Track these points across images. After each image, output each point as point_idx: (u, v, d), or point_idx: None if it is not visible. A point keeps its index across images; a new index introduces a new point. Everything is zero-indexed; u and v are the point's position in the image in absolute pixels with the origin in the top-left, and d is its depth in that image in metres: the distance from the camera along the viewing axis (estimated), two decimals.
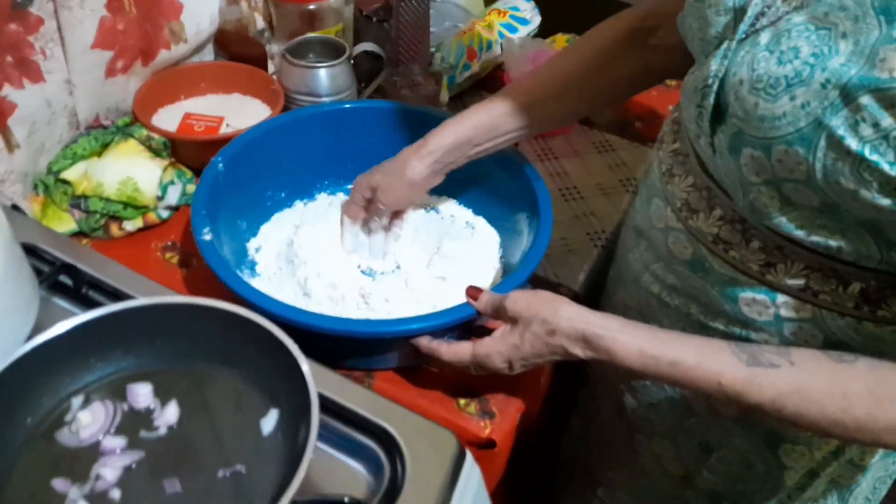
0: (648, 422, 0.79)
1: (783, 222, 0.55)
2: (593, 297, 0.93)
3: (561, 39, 1.25)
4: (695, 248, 0.64)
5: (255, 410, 0.52)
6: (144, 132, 0.92)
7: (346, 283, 0.80)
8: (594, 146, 1.11)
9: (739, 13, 0.54)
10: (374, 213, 0.83)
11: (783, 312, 0.60)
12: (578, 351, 0.61)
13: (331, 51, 1.03)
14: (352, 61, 1.02)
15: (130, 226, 0.89)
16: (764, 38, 0.51)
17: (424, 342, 0.68)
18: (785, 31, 0.50)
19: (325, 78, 1.00)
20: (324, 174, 0.95)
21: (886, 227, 0.50)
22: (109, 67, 0.89)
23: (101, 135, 0.91)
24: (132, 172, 0.88)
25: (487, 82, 1.20)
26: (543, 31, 1.30)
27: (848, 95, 0.46)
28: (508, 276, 0.73)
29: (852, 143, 0.46)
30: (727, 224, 0.61)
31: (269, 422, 0.51)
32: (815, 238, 0.54)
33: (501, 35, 1.23)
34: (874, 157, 0.46)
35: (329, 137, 0.93)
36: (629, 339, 0.59)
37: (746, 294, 0.61)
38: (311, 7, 1.08)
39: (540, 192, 0.81)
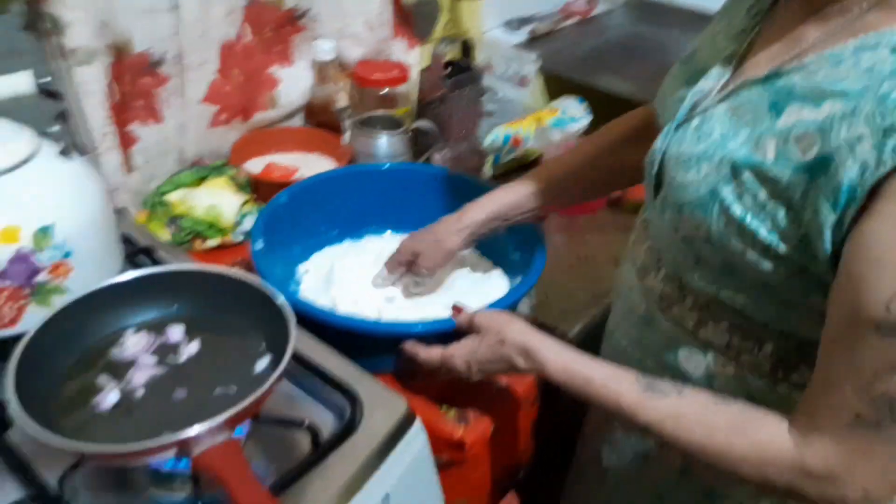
0: (619, 470, 0.86)
1: (695, 279, 0.65)
2: (589, 347, 1.03)
3: None
4: (647, 304, 0.73)
5: (253, 353, 0.68)
6: (234, 171, 1.14)
7: (367, 303, 0.96)
8: (617, 226, 1.23)
9: (685, 104, 0.66)
10: (415, 273, 0.96)
11: (712, 369, 0.67)
12: (521, 361, 0.72)
13: (393, 125, 1.24)
14: (409, 134, 1.23)
15: (211, 243, 1.10)
16: (695, 122, 0.63)
17: (408, 345, 0.82)
18: (709, 117, 0.61)
19: (385, 145, 1.20)
20: (371, 220, 1.12)
21: (778, 289, 0.58)
22: (214, 119, 1.14)
23: (200, 170, 1.14)
24: (219, 201, 1.10)
25: (531, 167, 1.37)
26: (591, 130, 1.47)
27: (735, 171, 0.56)
28: (490, 304, 0.87)
29: (737, 210, 0.56)
30: (669, 283, 0.69)
31: (262, 363, 0.67)
32: (725, 294, 0.63)
33: (551, 129, 1.40)
34: (753, 224, 0.56)
35: (379, 190, 1.11)
36: (557, 357, 0.69)
37: (684, 350, 0.69)
38: (385, 91, 1.31)
39: (538, 250, 0.94)
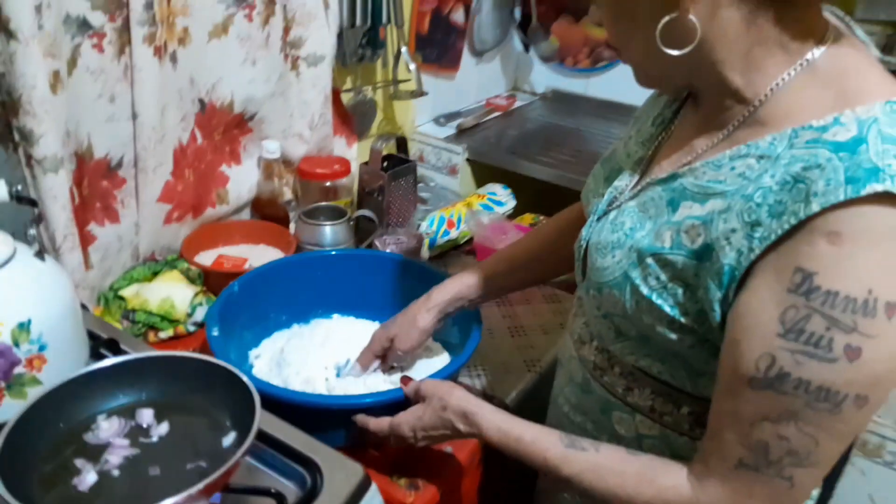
0: None
1: (618, 349, 0.73)
2: (525, 411, 1.12)
3: (528, 217, 1.55)
4: (583, 373, 0.81)
5: (220, 431, 0.74)
6: (186, 265, 1.21)
7: (317, 379, 1.03)
8: (544, 297, 1.35)
9: (604, 199, 0.76)
10: (391, 358, 1.02)
11: (641, 430, 0.75)
12: (461, 425, 0.79)
13: (337, 215, 1.34)
14: (351, 223, 1.33)
15: (164, 334, 1.15)
16: (611, 215, 0.73)
17: (360, 417, 0.89)
18: (622, 211, 0.71)
19: (329, 233, 1.29)
20: (318, 304, 1.20)
21: (686, 357, 0.66)
22: (168, 216, 1.21)
23: (153, 265, 1.21)
24: (171, 293, 1.16)
25: (464, 247, 1.49)
26: (516, 212, 1.60)
27: (640, 257, 0.66)
28: (433, 374, 0.95)
29: (644, 290, 0.65)
30: (599, 354, 0.77)
31: (228, 439, 0.73)
32: (644, 363, 0.71)
33: (481, 213, 1.53)
34: (658, 301, 0.64)
35: (324, 276, 1.19)
36: (493, 419, 0.77)
37: (616, 413, 0.77)
38: (328, 184, 1.41)
39: (475, 325, 1.03)
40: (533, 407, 1.11)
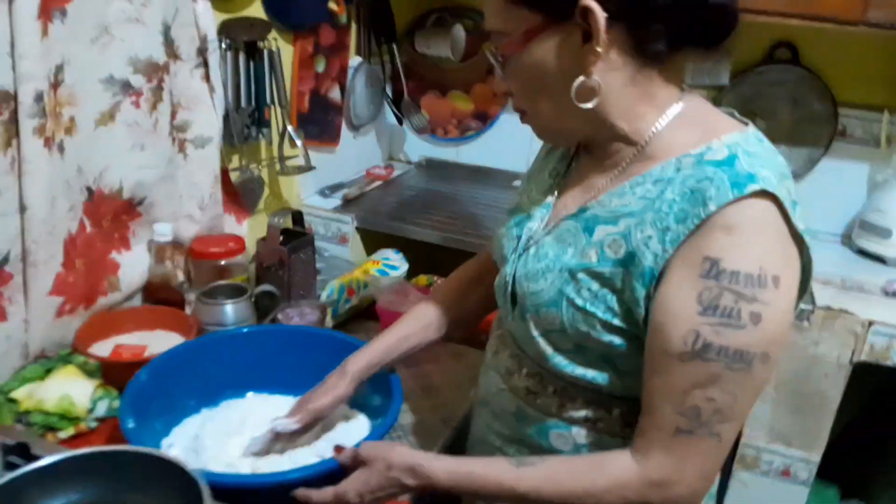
0: None
1: (554, 364, 0.81)
2: None
3: (423, 279, 1.61)
4: (516, 402, 0.88)
5: None
6: (82, 359, 1.16)
7: (240, 461, 1.01)
8: (450, 354, 1.41)
9: (519, 240, 0.87)
10: (308, 421, 1.01)
11: (578, 440, 0.83)
12: (409, 480, 0.82)
13: (236, 292, 1.33)
14: (253, 299, 1.33)
15: (64, 434, 1.08)
16: (532, 251, 0.84)
17: (300, 492, 0.89)
18: (541, 245, 0.83)
19: (231, 311, 1.28)
20: (226, 385, 1.17)
21: (617, 360, 0.77)
22: (59, 310, 1.16)
23: (46, 363, 1.14)
24: (69, 390, 1.10)
25: (366, 312, 1.52)
26: (410, 274, 1.66)
27: (572, 274, 0.77)
28: (364, 438, 0.97)
29: (579, 301, 0.76)
30: (531, 378, 0.86)
31: None
32: (579, 372, 0.80)
33: (378, 278, 1.57)
34: (592, 309, 0.75)
35: (230, 356, 1.18)
36: (440, 464, 0.82)
37: (553, 431, 0.84)
38: (222, 263, 1.41)
39: (395, 389, 1.06)
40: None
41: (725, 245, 0.67)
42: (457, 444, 1.21)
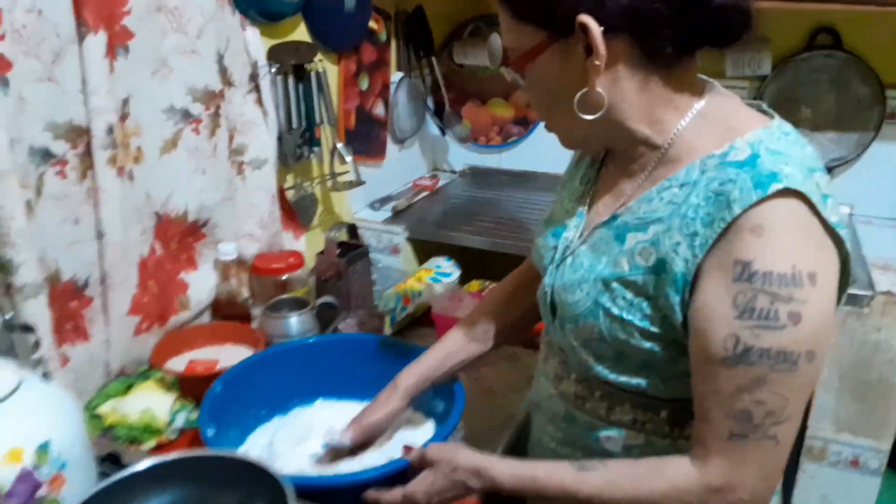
0: None
1: (598, 372, 0.82)
2: None
3: (475, 284, 1.64)
4: (565, 406, 0.90)
5: None
6: (160, 374, 1.22)
7: (309, 467, 1.06)
8: (504, 357, 1.43)
9: (556, 251, 0.89)
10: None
11: (627, 442, 0.84)
12: (474, 482, 0.84)
13: (299, 305, 1.38)
14: (314, 311, 1.38)
15: (146, 446, 1.14)
16: (568, 261, 0.85)
17: (370, 493, 0.92)
18: (577, 255, 0.84)
19: (295, 323, 1.34)
20: (295, 394, 1.23)
21: (659, 365, 0.78)
22: (137, 329, 1.22)
23: (126, 380, 1.21)
24: (150, 404, 1.16)
25: (422, 319, 1.56)
26: (462, 280, 1.70)
27: (606, 284, 0.78)
28: (429, 440, 1.00)
29: (615, 310, 0.77)
30: (579, 384, 0.87)
31: None
32: (622, 380, 0.81)
33: (432, 285, 1.61)
34: (629, 317, 0.76)
35: (297, 366, 1.23)
36: (504, 467, 0.83)
37: (603, 433, 0.86)
38: (283, 278, 1.46)
39: (458, 394, 1.09)
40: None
41: (755, 247, 0.67)
42: (517, 446, 1.24)
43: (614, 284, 0.77)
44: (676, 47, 0.72)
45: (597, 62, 0.71)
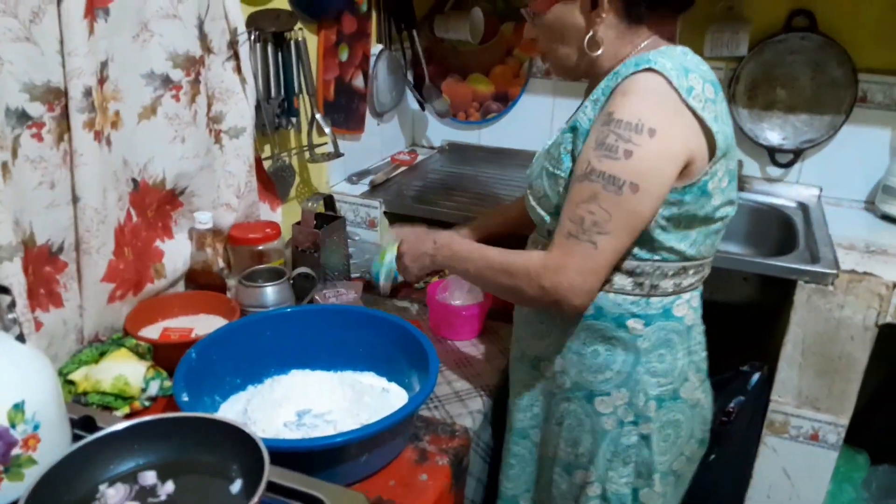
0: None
1: (549, 226, 1.05)
2: (490, 430, 1.21)
3: None
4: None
5: (227, 480, 0.77)
6: (133, 342, 1.22)
7: (284, 433, 1.07)
8: (483, 330, 1.45)
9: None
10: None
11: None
12: (430, 246, 1.20)
13: (275, 275, 1.38)
14: (291, 281, 1.38)
15: (119, 413, 1.15)
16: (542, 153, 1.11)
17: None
18: (545, 147, 1.09)
19: (271, 294, 1.34)
20: (270, 363, 1.23)
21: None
22: (111, 296, 1.22)
23: (99, 346, 1.20)
24: (123, 371, 1.16)
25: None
26: None
27: (547, 151, 1.06)
28: (397, 411, 1.01)
29: (549, 167, 1.03)
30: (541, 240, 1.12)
31: (236, 487, 0.77)
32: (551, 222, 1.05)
33: None
34: (556, 171, 1.02)
35: (273, 335, 1.24)
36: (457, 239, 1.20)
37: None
38: (260, 248, 1.46)
39: (432, 362, 1.11)
40: (496, 426, 1.21)
41: (619, 102, 0.92)
42: (493, 412, 1.26)
43: (550, 150, 1.05)
44: (648, 6, 0.98)
45: (603, 14, 0.98)
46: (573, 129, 1.00)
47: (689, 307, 1.07)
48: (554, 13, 1.02)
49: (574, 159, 0.98)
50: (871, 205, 1.89)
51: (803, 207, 1.89)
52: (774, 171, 1.99)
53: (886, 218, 1.80)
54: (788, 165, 1.96)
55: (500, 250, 1.08)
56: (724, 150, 0.96)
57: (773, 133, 1.95)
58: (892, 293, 1.44)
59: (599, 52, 1.00)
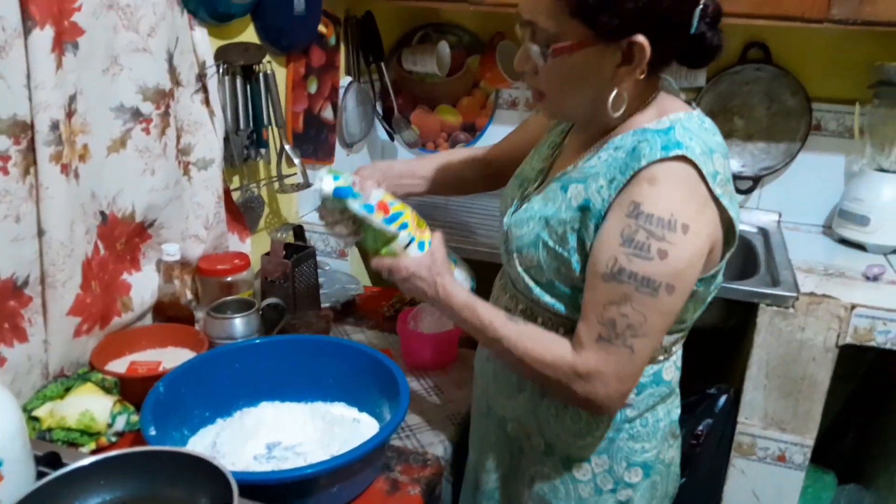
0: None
1: (535, 295, 0.99)
2: (459, 456, 1.21)
3: None
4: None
5: None
6: (100, 376, 1.20)
7: (254, 466, 1.06)
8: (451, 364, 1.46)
9: (516, 198, 1.05)
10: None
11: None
12: (434, 290, 1.02)
13: (244, 306, 1.38)
14: (260, 312, 1.38)
15: (85, 450, 1.13)
16: (523, 206, 1.01)
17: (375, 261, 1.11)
18: (531, 202, 1.00)
19: (240, 325, 1.33)
20: (239, 395, 1.22)
21: (577, 292, 0.94)
22: (77, 330, 1.20)
23: (65, 381, 1.19)
24: (89, 406, 1.14)
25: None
26: None
27: (546, 222, 0.95)
28: (365, 442, 1.00)
29: (550, 242, 0.94)
30: (524, 313, 1.03)
31: None
32: (547, 301, 0.98)
33: None
34: (559, 249, 0.93)
35: (242, 367, 1.23)
36: (461, 290, 1.03)
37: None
38: (228, 279, 1.46)
39: (403, 391, 1.11)
40: (463, 452, 1.21)
41: (647, 192, 0.84)
42: (462, 440, 1.26)
43: (552, 221, 0.94)
44: (675, 61, 0.90)
45: (639, 76, 0.86)
46: (583, 208, 0.90)
47: (675, 368, 1.04)
48: (577, 59, 0.87)
49: (581, 240, 0.91)
50: (828, 229, 1.95)
51: (764, 232, 1.95)
52: None
53: (843, 241, 1.86)
54: (748, 192, 2.02)
55: (519, 328, 0.96)
56: (737, 237, 0.91)
57: (733, 161, 2.02)
58: (851, 314, 1.48)
59: (621, 111, 0.89)
